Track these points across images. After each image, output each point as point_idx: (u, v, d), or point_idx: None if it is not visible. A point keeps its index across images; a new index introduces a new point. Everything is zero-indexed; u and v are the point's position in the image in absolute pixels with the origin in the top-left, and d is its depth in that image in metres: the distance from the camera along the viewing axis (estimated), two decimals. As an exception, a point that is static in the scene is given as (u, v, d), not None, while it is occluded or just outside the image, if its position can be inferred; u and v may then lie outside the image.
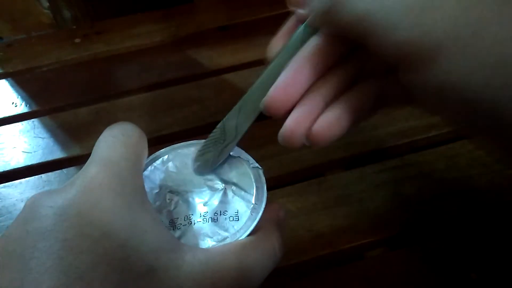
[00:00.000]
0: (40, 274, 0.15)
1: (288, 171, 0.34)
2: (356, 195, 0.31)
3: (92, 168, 0.18)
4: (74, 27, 0.52)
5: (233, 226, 0.21)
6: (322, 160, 0.34)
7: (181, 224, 0.21)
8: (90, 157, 0.19)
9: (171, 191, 0.22)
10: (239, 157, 0.23)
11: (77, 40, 0.49)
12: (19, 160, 0.37)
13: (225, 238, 0.20)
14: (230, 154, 0.23)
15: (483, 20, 0.16)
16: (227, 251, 0.19)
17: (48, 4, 0.52)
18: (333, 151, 0.34)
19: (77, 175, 0.18)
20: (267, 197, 0.22)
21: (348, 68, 0.22)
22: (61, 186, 0.18)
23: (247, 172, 0.23)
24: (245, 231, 0.20)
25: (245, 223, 0.21)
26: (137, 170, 0.20)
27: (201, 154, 0.23)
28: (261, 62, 0.44)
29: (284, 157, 0.34)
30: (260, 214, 0.21)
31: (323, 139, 0.21)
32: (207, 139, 0.23)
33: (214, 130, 0.23)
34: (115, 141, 0.20)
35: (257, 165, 0.23)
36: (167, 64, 0.45)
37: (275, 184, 0.33)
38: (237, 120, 0.22)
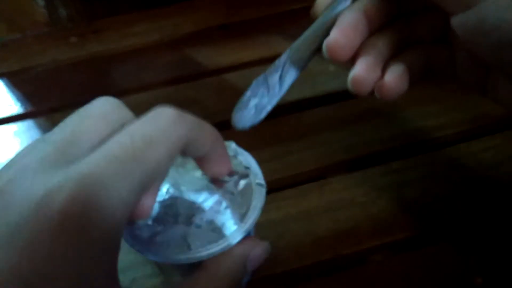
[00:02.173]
0: None
1: (290, 174, 0.33)
2: (358, 198, 0.31)
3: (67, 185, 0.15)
4: (70, 26, 0.51)
5: (213, 238, 0.20)
6: (324, 163, 0.34)
7: (166, 220, 0.20)
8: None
9: (167, 190, 0.22)
10: (248, 168, 0.22)
11: (73, 40, 0.48)
12: (13, 162, 0.36)
13: (196, 251, 0.19)
14: (243, 164, 0.23)
15: None
16: None
17: (43, 3, 0.51)
18: (335, 153, 0.34)
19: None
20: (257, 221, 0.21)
21: (399, 31, 0.23)
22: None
23: (249, 186, 0.22)
24: (219, 246, 0.19)
25: (223, 239, 0.20)
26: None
27: (242, 105, 0.22)
28: (261, 62, 0.44)
29: (285, 159, 0.34)
30: (239, 237, 0.20)
31: (394, 91, 0.22)
32: (246, 92, 0.22)
33: (253, 83, 0.22)
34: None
35: (262, 182, 0.22)
36: (165, 63, 0.44)
37: (276, 186, 0.32)
38: (281, 72, 0.22)
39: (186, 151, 0.18)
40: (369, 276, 0.27)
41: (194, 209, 0.21)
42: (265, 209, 0.32)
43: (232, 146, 0.24)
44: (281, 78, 0.22)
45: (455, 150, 0.33)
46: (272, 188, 0.33)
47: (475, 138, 0.34)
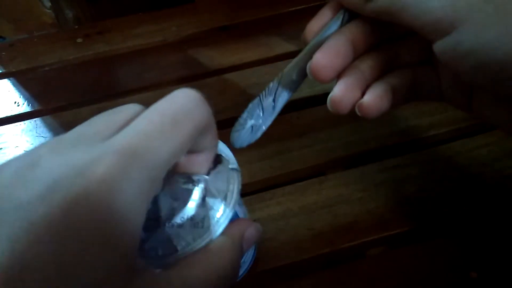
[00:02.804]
0: None
1: (289, 170, 0.34)
2: (356, 194, 0.31)
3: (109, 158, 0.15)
4: (76, 27, 0.52)
5: (196, 233, 0.19)
6: (323, 159, 0.34)
7: (150, 226, 0.19)
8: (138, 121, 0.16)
9: None
10: (220, 154, 0.22)
11: (79, 40, 0.49)
12: (21, 159, 0.37)
13: (187, 246, 0.19)
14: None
15: None
16: (172, 272, 0.17)
17: (50, 4, 0.52)
18: (333, 151, 0.35)
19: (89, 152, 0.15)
20: (243, 205, 0.21)
21: (384, 54, 0.24)
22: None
23: (223, 173, 0.21)
24: (204, 240, 0.19)
25: (206, 232, 0.19)
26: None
27: (240, 126, 0.23)
28: (263, 62, 0.44)
29: (285, 156, 0.34)
30: (223, 225, 0.20)
31: (373, 110, 0.22)
32: (243, 114, 0.23)
33: (249, 106, 0.23)
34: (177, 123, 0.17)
35: (236, 166, 0.22)
36: (169, 64, 0.45)
37: (276, 183, 0.33)
38: (274, 95, 0.23)
39: (197, 141, 0.18)
40: (366, 270, 0.28)
41: (174, 208, 0.20)
42: (265, 205, 0.32)
43: None
44: (274, 100, 0.23)
45: (450, 147, 0.34)
46: (273, 184, 0.34)
47: (470, 135, 0.34)
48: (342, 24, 0.23)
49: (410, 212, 0.30)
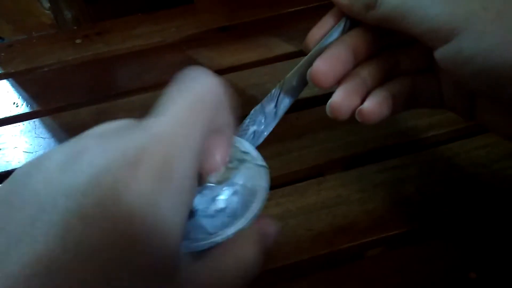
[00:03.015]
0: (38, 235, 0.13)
1: (288, 171, 0.34)
2: (355, 195, 0.31)
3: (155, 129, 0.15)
4: (75, 27, 0.52)
5: (228, 223, 0.20)
6: (322, 160, 0.34)
7: None
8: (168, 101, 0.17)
9: None
10: (247, 153, 0.23)
11: (78, 41, 0.49)
12: (20, 160, 0.37)
13: (217, 236, 0.20)
14: (242, 151, 0.23)
15: None
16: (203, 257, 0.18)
17: (49, 4, 0.52)
18: (332, 151, 0.35)
19: (133, 129, 0.16)
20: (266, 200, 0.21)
21: (384, 61, 0.24)
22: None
23: (252, 169, 0.22)
24: (236, 229, 0.20)
25: (235, 224, 0.20)
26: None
27: (242, 132, 0.23)
28: (262, 63, 0.44)
29: (284, 157, 0.34)
30: (252, 217, 0.20)
31: (373, 116, 0.23)
32: (245, 120, 0.24)
33: (252, 113, 0.24)
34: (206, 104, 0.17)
35: (264, 163, 0.23)
36: (168, 64, 0.45)
37: (275, 183, 0.32)
38: (276, 101, 0.24)
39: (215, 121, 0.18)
40: (365, 270, 0.28)
41: (207, 201, 0.21)
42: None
43: None
44: (276, 106, 0.24)
45: (449, 148, 0.34)
46: (272, 185, 0.33)
47: (468, 136, 0.34)
48: (344, 32, 0.24)
49: (409, 213, 0.30)
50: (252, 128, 0.23)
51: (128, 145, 0.15)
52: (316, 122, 0.37)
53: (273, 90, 0.24)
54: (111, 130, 0.17)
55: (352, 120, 0.37)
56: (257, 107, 0.24)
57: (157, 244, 0.14)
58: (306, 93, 0.40)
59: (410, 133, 0.35)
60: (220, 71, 0.43)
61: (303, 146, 0.35)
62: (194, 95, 0.17)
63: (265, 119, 0.24)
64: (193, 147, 0.16)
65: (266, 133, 0.24)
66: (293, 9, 0.50)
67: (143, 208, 0.14)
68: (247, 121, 0.24)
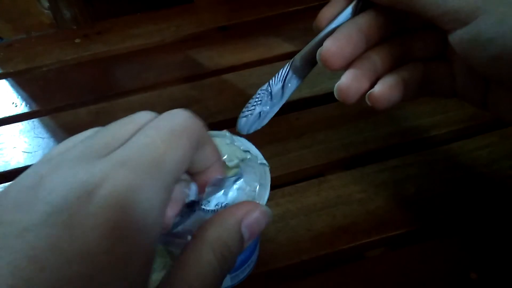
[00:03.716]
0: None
1: (288, 171, 0.34)
2: (356, 195, 0.31)
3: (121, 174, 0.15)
4: (74, 27, 0.52)
5: None
6: (322, 160, 0.34)
7: (184, 211, 0.21)
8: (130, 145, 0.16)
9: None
10: (248, 151, 0.23)
11: (77, 40, 0.49)
12: (19, 160, 0.37)
13: None
14: (241, 149, 0.23)
15: None
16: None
17: (48, 4, 0.52)
18: (332, 151, 0.34)
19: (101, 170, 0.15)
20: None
21: (397, 46, 0.23)
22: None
23: (253, 167, 0.23)
24: None
25: None
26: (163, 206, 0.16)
27: (248, 112, 0.23)
28: (261, 62, 0.44)
29: (284, 157, 0.34)
30: None
31: (384, 100, 0.22)
32: (251, 100, 0.23)
33: (258, 92, 0.23)
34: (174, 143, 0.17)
35: (264, 161, 0.23)
36: (167, 64, 0.45)
37: (275, 184, 0.32)
38: (284, 81, 0.23)
39: (199, 156, 0.18)
40: (366, 271, 0.28)
41: (209, 195, 0.21)
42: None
43: (227, 134, 0.25)
44: (283, 87, 0.23)
45: (451, 148, 0.34)
46: (272, 185, 0.33)
47: (470, 136, 0.34)
48: (356, 13, 0.23)
49: (409, 213, 0.30)
50: (258, 109, 0.23)
51: (88, 174, 0.15)
52: (316, 122, 0.37)
53: (281, 70, 0.23)
54: (69, 158, 0.16)
55: (353, 120, 0.37)
56: (264, 86, 0.23)
57: None
58: (306, 93, 0.40)
59: (411, 133, 0.35)
60: (219, 71, 0.43)
61: (303, 146, 0.35)
62: (167, 127, 0.17)
63: (271, 100, 0.23)
64: (162, 177, 0.16)
65: (272, 114, 0.23)
66: (292, 9, 0.50)
67: (95, 249, 0.14)
68: (253, 101, 0.23)
